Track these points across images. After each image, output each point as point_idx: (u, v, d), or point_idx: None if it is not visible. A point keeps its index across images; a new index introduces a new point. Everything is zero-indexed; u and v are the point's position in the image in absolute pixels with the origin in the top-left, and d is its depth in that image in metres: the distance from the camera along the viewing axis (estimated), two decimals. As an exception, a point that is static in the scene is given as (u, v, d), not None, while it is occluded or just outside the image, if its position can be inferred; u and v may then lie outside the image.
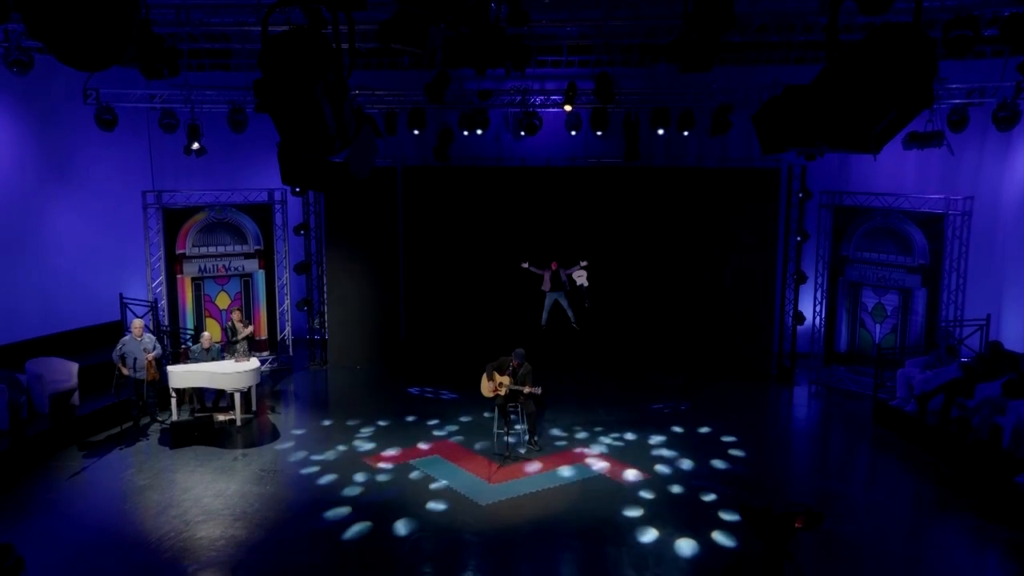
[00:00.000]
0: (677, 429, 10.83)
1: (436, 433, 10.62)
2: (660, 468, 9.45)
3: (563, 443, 10.27)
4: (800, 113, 3.78)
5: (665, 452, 9.99)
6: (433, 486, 8.89)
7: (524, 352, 9.96)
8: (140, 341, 10.48)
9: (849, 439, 11.23)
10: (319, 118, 3.93)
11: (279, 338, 13.98)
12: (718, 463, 9.64)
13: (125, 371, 10.32)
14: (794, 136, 3.86)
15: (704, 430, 10.79)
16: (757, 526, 5.54)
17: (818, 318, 13.32)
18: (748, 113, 12.95)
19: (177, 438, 10.08)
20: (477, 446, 10.14)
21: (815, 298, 13.35)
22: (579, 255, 13.39)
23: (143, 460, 9.74)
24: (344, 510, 8.30)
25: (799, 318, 13.43)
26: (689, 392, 12.77)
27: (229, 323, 12.01)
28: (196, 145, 12.33)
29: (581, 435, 10.56)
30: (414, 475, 9.24)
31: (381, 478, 9.15)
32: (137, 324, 10.65)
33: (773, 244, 13.44)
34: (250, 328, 11.90)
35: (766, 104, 4.11)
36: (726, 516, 8.16)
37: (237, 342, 11.75)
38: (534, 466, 9.46)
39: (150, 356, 10.42)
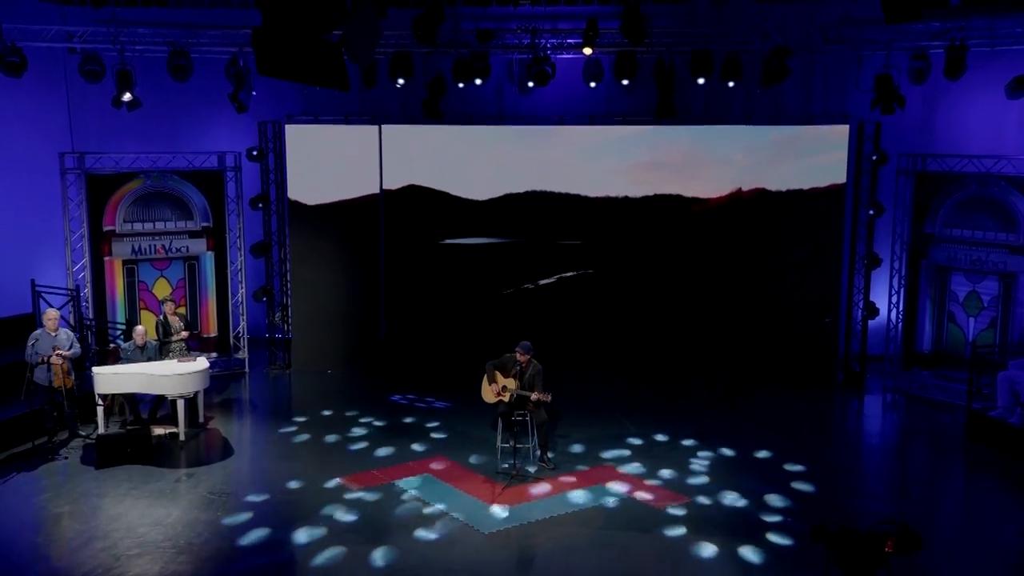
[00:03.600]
0: (721, 444, 10.76)
1: (426, 448, 10.57)
2: (701, 490, 9.36)
3: (581, 460, 10.22)
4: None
5: (707, 471, 9.91)
6: (424, 510, 8.82)
7: (531, 344, 9.88)
8: (54, 336, 10.30)
9: (937, 457, 11.11)
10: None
11: (231, 336, 13.85)
12: (774, 483, 9.54)
13: (51, 362, 10.19)
14: None
15: (755, 444, 10.73)
16: (838, 551, 5.35)
17: (895, 311, 13.21)
18: (808, 58, 12.89)
19: (105, 455, 9.94)
20: (477, 463, 10.08)
21: (891, 286, 13.23)
22: (598, 233, 13.26)
23: (61, 482, 9.59)
24: (314, 540, 8.18)
25: (871, 311, 13.32)
26: (736, 400, 12.66)
27: (162, 316, 11.81)
28: (127, 96, 12.16)
29: (603, 450, 10.51)
30: (401, 498, 9.16)
31: (359, 501, 9.05)
32: (51, 315, 10.49)
33: (839, 220, 13.34)
34: (186, 334, 11.71)
35: None
36: (782, 541, 8.03)
37: (170, 343, 11.54)
38: (546, 487, 9.41)
39: (63, 354, 10.22)
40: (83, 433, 10.74)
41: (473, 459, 10.17)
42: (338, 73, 4.56)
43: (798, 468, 10.00)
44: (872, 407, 12.78)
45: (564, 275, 13.98)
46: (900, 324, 13.13)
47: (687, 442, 10.79)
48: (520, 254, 13.92)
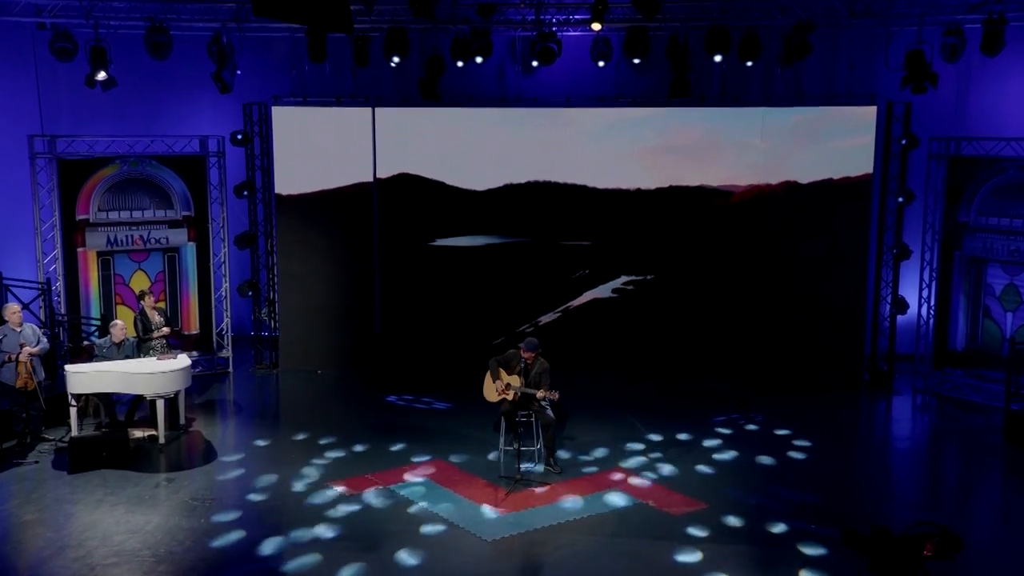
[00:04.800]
0: (740, 448, 10.76)
1: (425, 451, 10.56)
2: (719, 495, 9.35)
3: (591, 463, 10.23)
4: None
5: (725, 476, 9.92)
6: (422, 517, 8.82)
7: (538, 342, 9.89)
8: (19, 332, 10.27)
9: (973, 462, 11.06)
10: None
11: (214, 333, 13.83)
12: (796, 490, 9.53)
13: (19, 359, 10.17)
14: None
15: (776, 448, 10.72)
16: (872, 556, 5.27)
17: (925, 306, 13.16)
18: (832, 34, 12.82)
19: (78, 459, 9.89)
20: (479, 466, 10.08)
21: (922, 279, 13.19)
22: (606, 225, 13.21)
23: (30, 488, 9.55)
24: (304, 549, 8.15)
25: (900, 306, 13.27)
26: (755, 402, 12.65)
27: (140, 311, 11.75)
28: (102, 75, 12.13)
29: (614, 454, 10.51)
30: (396, 503, 9.16)
31: (353, 508, 9.04)
32: (13, 309, 10.49)
33: (865, 208, 13.27)
34: (167, 330, 11.64)
35: None
36: (810, 551, 8.01)
37: (150, 339, 11.49)
38: (553, 492, 9.40)
39: (31, 351, 10.20)
40: (50, 438, 10.68)
41: (474, 462, 10.16)
42: (341, 13, 4.45)
43: (824, 472, 9.99)
44: (901, 409, 12.75)
45: (570, 305, 13.93)
46: (931, 320, 13.06)
47: (703, 445, 10.78)
48: (522, 254, 13.87)
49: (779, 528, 8.58)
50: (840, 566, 7.67)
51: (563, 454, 10.28)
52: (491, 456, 10.26)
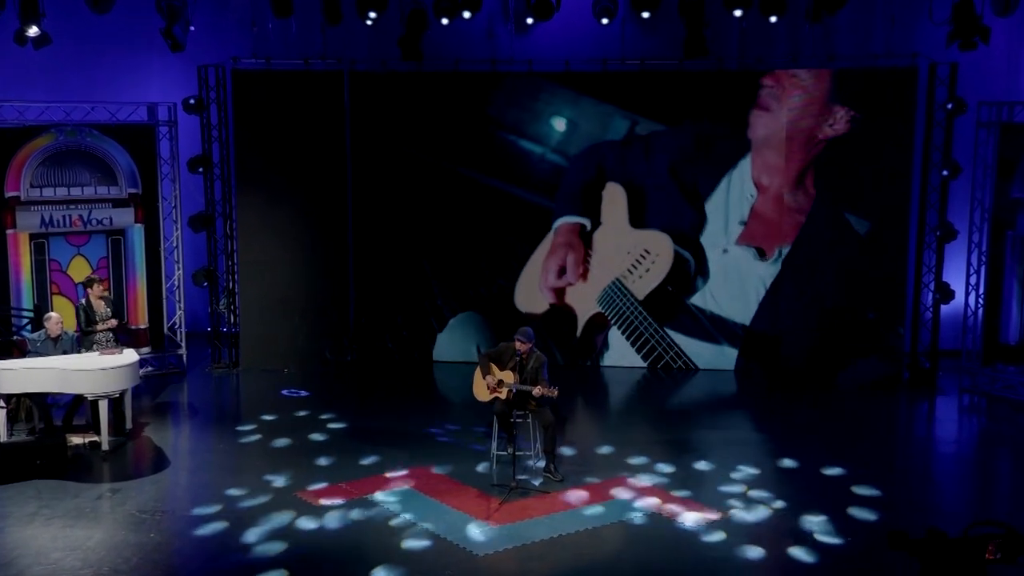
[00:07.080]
0: (762, 452, 10.85)
1: (407, 457, 10.59)
2: (739, 506, 9.34)
3: (595, 469, 10.27)
4: None
5: (745, 483, 9.90)
6: (405, 530, 8.81)
7: (533, 332, 9.91)
8: None
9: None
10: None
11: (165, 328, 13.86)
12: (828, 498, 9.51)
13: None
14: None
15: (803, 453, 10.74)
16: (924, 560, 5.17)
17: (973, 294, 13.22)
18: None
19: (9, 468, 9.85)
20: (468, 473, 10.11)
21: (969, 264, 13.24)
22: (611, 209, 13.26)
23: (-46, 501, 9.58)
24: (268, 566, 8.10)
25: (945, 294, 13.29)
26: (779, 400, 12.69)
27: (84, 301, 11.65)
28: (34, 30, 11.96)
29: (621, 457, 10.57)
30: (377, 515, 9.15)
31: (325, 521, 9.03)
32: None
33: (904, 184, 13.29)
34: (114, 322, 11.55)
35: None
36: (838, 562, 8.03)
37: (93, 332, 11.38)
38: (552, 502, 9.44)
39: None
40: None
41: (463, 469, 10.18)
42: None
43: (862, 484, 9.90)
44: (946, 410, 12.82)
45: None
46: (980, 310, 13.12)
47: (722, 452, 10.77)
48: (517, 241, 13.98)
49: (805, 536, 8.58)
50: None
51: (562, 459, 10.28)
52: (482, 463, 10.30)
